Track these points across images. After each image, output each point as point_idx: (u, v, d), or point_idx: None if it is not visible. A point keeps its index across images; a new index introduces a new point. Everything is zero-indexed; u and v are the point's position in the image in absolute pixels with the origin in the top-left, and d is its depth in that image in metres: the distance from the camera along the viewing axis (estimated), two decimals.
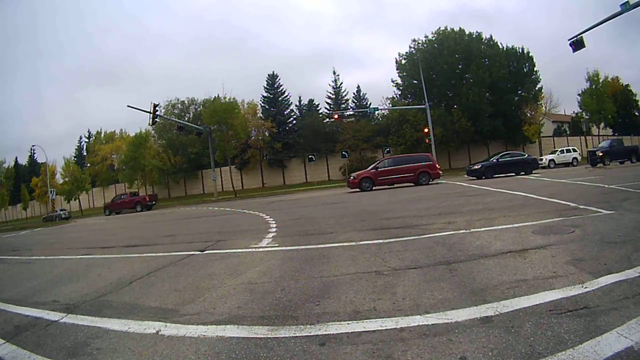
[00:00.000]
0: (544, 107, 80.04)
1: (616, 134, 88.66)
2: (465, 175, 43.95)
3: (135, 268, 11.10)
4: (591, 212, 12.55)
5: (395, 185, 38.19)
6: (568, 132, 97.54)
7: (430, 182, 37.58)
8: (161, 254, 12.89)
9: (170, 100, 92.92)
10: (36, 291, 9.97)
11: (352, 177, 39.27)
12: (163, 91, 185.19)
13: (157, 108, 57.25)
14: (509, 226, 11.75)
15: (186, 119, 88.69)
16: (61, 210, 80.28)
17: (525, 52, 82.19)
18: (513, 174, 40.56)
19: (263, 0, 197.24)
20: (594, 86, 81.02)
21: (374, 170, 38.32)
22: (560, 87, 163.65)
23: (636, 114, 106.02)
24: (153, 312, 7.04)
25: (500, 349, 4.57)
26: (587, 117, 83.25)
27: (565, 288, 6.30)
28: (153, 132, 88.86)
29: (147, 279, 9.55)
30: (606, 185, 20.32)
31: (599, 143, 59.50)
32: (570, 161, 58.83)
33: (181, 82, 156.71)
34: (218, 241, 14.46)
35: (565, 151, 61.61)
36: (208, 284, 8.45)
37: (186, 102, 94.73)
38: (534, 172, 41.27)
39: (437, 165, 39.95)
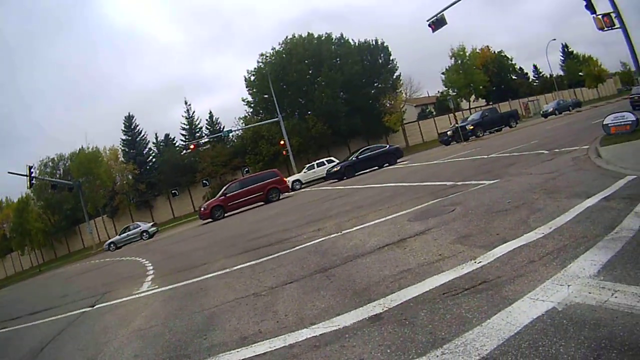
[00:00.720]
0: (404, 94, 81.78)
1: (491, 103, 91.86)
2: (326, 180, 44.88)
3: (43, 334, 11.12)
4: (472, 187, 12.74)
5: (251, 206, 38.53)
6: (434, 113, 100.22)
7: (280, 197, 38.46)
8: (60, 316, 12.90)
9: (43, 160, 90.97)
10: None
11: (202, 209, 39.52)
12: (38, 149, 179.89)
13: (32, 170, 56.25)
14: (382, 220, 11.81)
15: (57, 175, 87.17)
16: None
17: (379, 43, 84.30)
18: (377, 168, 41.11)
19: (119, 41, 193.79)
20: (459, 61, 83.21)
21: (222, 197, 38.43)
22: (425, 69, 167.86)
23: (513, 77, 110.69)
24: None
25: (398, 344, 4.40)
26: (454, 93, 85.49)
27: (456, 268, 6.25)
28: (32, 194, 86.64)
29: (53, 344, 9.61)
30: (486, 156, 21.05)
31: (470, 116, 59.90)
32: (324, 175, 50.06)
33: (53, 137, 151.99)
34: (104, 294, 14.70)
35: (317, 165, 53.90)
36: (104, 338, 8.52)
37: (56, 158, 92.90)
38: (398, 161, 41.72)
39: (285, 179, 41.20)
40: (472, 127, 47.76)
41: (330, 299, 6.50)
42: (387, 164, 40.62)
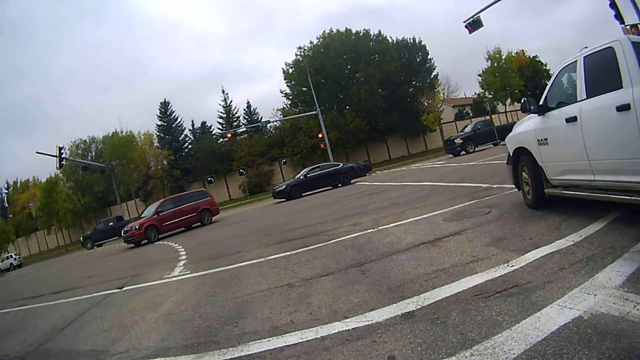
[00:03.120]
0: (441, 94, 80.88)
1: None
2: (275, 198, 42.43)
3: (65, 314, 11.24)
4: (507, 190, 12.57)
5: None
6: (471, 115, 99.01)
7: (212, 220, 35.53)
8: (85, 297, 13.15)
9: (74, 141, 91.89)
10: None
11: (134, 228, 32.52)
12: (69, 131, 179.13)
13: (62, 151, 56.37)
14: (418, 218, 11.80)
15: (89, 157, 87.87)
16: None
17: (417, 41, 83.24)
18: (330, 187, 39.76)
19: (155, 26, 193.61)
20: (495, 64, 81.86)
21: (156, 215, 33.24)
22: (462, 69, 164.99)
23: (546, 83, 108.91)
24: (87, 355, 7.15)
25: (429, 342, 4.44)
26: (490, 96, 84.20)
27: (489, 270, 6.25)
28: (61, 175, 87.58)
29: (76, 323, 9.70)
30: None
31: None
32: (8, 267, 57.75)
33: (84, 120, 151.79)
34: (134, 276, 14.79)
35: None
36: (131, 320, 8.62)
37: (88, 141, 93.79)
38: (352, 181, 40.02)
39: (215, 201, 38.11)
40: (461, 141, 44.57)
41: (365, 293, 6.51)
42: (340, 184, 39.60)
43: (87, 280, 17.73)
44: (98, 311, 10.45)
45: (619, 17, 27.21)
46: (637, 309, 4.20)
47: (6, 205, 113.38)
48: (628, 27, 26.40)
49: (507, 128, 46.52)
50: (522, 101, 9.29)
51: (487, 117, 64.14)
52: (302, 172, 42.61)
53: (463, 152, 43.20)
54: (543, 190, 9.21)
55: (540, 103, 8.97)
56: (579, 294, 4.79)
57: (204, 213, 35.16)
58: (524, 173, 10.03)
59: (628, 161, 6.50)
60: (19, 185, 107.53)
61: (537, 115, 9.12)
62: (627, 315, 4.13)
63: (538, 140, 9.00)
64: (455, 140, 44.90)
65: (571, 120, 7.64)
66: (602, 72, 7.14)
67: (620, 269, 5.30)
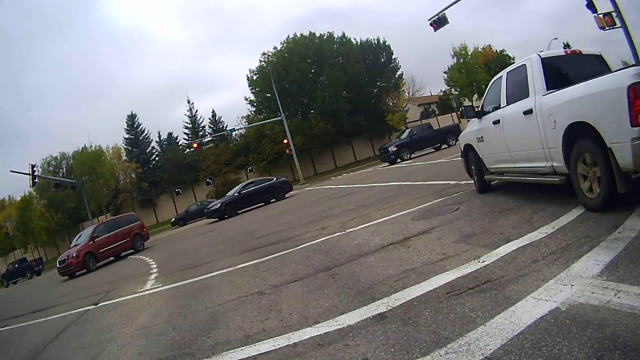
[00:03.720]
0: (406, 93, 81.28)
1: None
2: (208, 217, 41.74)
3: (45, 332, 11.34)
4: (475, 186, 12.55)
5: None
6: (437, 112, 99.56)
7: (144, 246, 33.04)
8: (63, 314, 13.27)
9: (45, 158, 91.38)
10: None
11: (71, 257, 29.23)
12: (41, 148, 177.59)
13: (34, 168, 56.02)
14: (386, 218, 11.85)
15: (60, 174, 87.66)
16: None
17: (381, 42, 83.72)
18: (263, 204, 39.11)
19: (120, 38, 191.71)
20: (461, 60, 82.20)
21: (92, 242, 30.33)
22: (427, 68, 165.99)
23: None
24: None
25: (402, 343, 4.38)
26: (456, 92, 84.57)
27: (460, 267, 6.24)
28: (35, 193, 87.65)
29: (56, 342, 9.77)
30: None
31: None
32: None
33: (55, 136, 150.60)
34: (108, 292, 15.04)
35: None
36: (108, 335, 8.66)
37: (58, 157, 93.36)
38: (287, 195, 39.49)
39: (144, 225, 36.12)
40: (395, 149, 42.46)
41: (335, 297, 6.52)
42: (275, 199, 39.13)
43: (63, 298, 17.84)
44: (76, 328, 10.54)
45: (591, 6, 27.54)
46: (619, 297, 4.16)
47: None
48: (600, 15, 26.72)
49: (450, 131, 45.76)
50: (460, 110, 11.53)
51: (427, 121, 64.58)
52: (236, 188, 41.98)
53: (399, 160, 41.69)
54: (484, 177, 11.82)
55: (479, 109, 11.68)
56: (555, 286, 4.76)
57: (136, 238, 33.24)
58: (472, 165, 12.44)
59: (533, 151, 8.78)
60: None
61: (477, 118, 11.76)
62: (608, 304, 4.08)
63: (477, 138, 11.72)
64: (390, 148, 43.35)
65: (496, 122, 10.19)
66: (518, 84, 9.43)
67: (598, 257, 5.27)
